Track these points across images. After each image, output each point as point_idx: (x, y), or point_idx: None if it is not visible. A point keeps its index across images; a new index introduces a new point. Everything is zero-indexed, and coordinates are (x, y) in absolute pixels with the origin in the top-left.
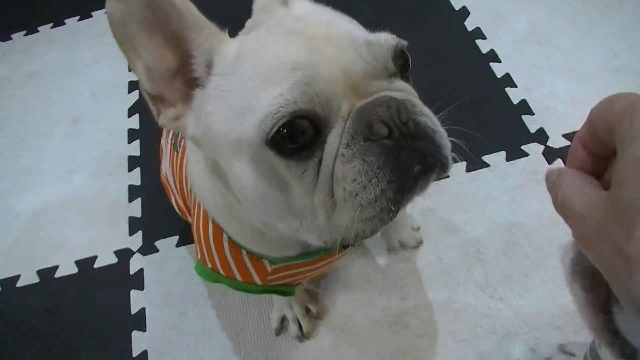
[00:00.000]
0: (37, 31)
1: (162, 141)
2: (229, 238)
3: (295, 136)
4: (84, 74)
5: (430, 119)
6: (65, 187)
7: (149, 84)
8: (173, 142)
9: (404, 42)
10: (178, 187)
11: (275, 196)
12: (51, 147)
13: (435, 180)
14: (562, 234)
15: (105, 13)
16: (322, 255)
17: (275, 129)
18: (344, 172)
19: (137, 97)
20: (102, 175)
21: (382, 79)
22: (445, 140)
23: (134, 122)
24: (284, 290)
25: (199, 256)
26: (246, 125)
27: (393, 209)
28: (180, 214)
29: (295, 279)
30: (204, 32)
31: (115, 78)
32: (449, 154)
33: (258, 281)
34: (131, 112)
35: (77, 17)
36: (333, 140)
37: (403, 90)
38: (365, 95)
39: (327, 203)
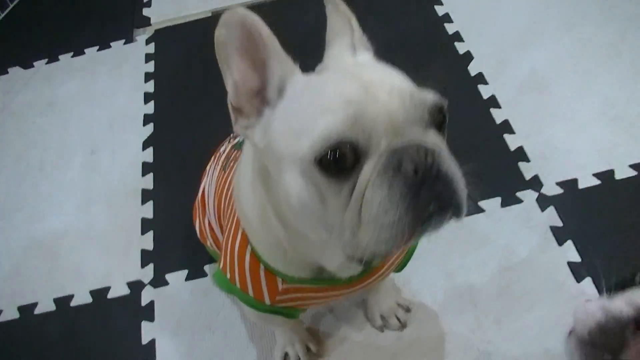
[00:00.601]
0: (58, 59)
1: (209, 165)
2: (252, 250)
3: (339, 160)
4: (103, 104)
5: (452, 168)
6: (83, 217)
7: (234, 98)
8: (224, 164)
9: (444, 102)
10: (216, 203)
11: (314, 207)
12: (70, 176)
13: (448, 222)
14: (552, 281)
15: (215, 38)
16: (332, 284)
17: (323, 151)
18: (372, 196)
19: (152, 130)
20: (117, 207)
21: (419, 127)
22: (462, 188)
23: (148, 156)
24: (288, 312)
25: (221, 265)
26: (302, 144)
27: (407, 234)
28: (200, 236)
29: (302, 303)
30: (281, 62)
31: (132, 110)
32: (464, 200)
33: (267, 300)
34: (145, 145)
35: (97, 47)
36: (368, 169)
37: (434, 140)
38: (403, 138)
39: (355, 221)
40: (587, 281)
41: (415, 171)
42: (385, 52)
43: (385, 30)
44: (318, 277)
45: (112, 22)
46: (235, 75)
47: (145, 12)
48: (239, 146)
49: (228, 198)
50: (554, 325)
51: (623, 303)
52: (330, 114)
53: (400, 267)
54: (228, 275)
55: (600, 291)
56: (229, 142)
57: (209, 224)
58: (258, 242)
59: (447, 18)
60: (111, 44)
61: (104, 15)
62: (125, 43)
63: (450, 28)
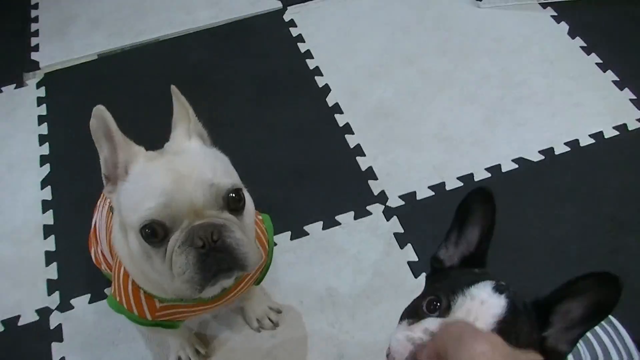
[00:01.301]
0: None
1: (99, 202)
2: (133, 281)
3: (151, 234)
4: (1, 147)
5: (236, 239)
6: None
7: (104, 168)
8: (110, 205)
9: (240, 186)
10: (108, 237)
11: (145, 260)
12: None
13: (237, 274)
14: (395, 278)
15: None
16: (198, 302)
17: (142, 225)
18: (175, 260)
19: (49, 169)
20: (21, 243)
21: (215, 209)
22: (245, 252)
23: (47, 194)
24: (168, 324)
25: (112, 291)
26: (134, 217)
27: (199, 287)
28: (95, 262)
29: (179, 316)
30: (124, 149)
31: (28, 152)
32: (246, 262)
33: (149, 316)
34: (43, 184)
35: None
36: (173, 242)
37: (227, 219)
38: (202, 218)
39: (169, 273)
40: (423, 276)
41: (202, 245)
42: (261, 87)
43: (257, 68)
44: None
45: (1, 67)
46: (104, 151)
47: (34, 56)
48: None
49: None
50: (397, 314)
51: (421, 333)
52: (150, 200)
53: (258, 282)
54: (117, 299)
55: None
56: None
57: (102, 252)
58: (134, 275)
59: (308, 54)
60: (2, 88)
61: None
62: (16, 87)
63: (311, 63)
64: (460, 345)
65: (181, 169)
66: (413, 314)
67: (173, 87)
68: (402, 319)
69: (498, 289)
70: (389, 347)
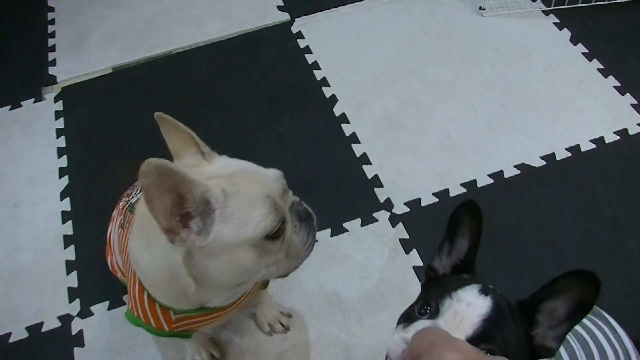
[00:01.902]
0: None
1: (114, 212)
2: (148, 294)
3: (278, 230)
4: (19, 160)
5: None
6: (11, 263)
7: (164, 223)
8: (122, 222)
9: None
10: (120, 253)
11: (260, 262)
12: None
13: None
14: (401, 283)
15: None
16: (212, 311)
17: (273, 228)
18: (294, 239)
19: (67, 181)
20: (42, 252)
21: (286, 192)
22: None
23: (66, 205)
24: (184, 334)
25: (130, 306)
26: (249, 231)
27: (310, 250)
28: (111, 269)
29: (194, 326)
30: (197, 185)
31: (47, 164)
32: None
33: (166, 327)
34: (62, 195)
35: (9, 107)
36: (289, 227)
37: (292, 195)
38: (287, 202)
39: (284, 257)
40: None
41: (305, 216)
42: (269, 98)
43: (265, 80)
44: (201, 308)
45: (20, 81)
46: (161, 205)
47: (51, 71)
48: (131, 209)
49: (127, 254)
50: None
51: (412, 334)
52: (260, 207)
53: (264, 286)
54: (135, 314)
55: None
56: (126, 200)
57: (116, 261)
58: (156, 291)
59: (316, 65)
60: (22, 102)
61: (12, 75)
62: (35, 102)
63: (318, 75)
64: (432, 353)
65: (250, 176)
66: (407, 317)
67: (161, 115)
68: (398, 322)
69: (484, 292)
70: (387, 348)
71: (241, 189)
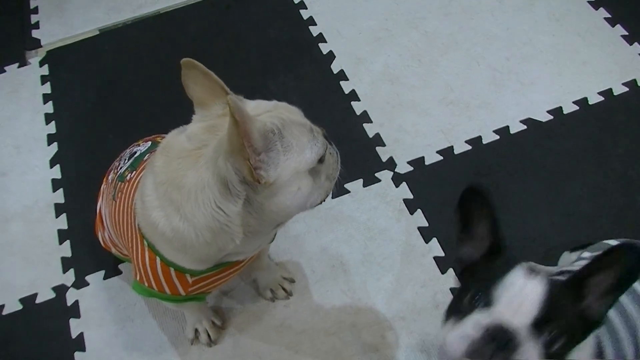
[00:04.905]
0: None
1: (103, 186)
2: (161, 260)
3: (325, 153)
4: (5, 127)
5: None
6: (3, 235)
7: (255, 161)
8: (113, 194)
9: None
10: (115, 226)
11: (313, 188)
12: None
13: None
14: (406, 244)
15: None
16: (227, 266)
17: (324, 152)
18: (331, 160)
19: (57, 148)
20: (33, 222)
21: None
22: None
23: (56, 173)
24: (199, 297)
25: (137, 278)
26: (307, 157)
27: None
28: (104, 246)
29: (209, 287)
30: (253, 121)
31: (35, 131)
32: None
33: (182, 292)
34: (52, 163)
35: None
36: (328, 151)
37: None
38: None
39: (325, 178)
40: (434, 241)
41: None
42: (263, 57)
43: (260, 38)
44: (218, 264)
45: (2, 46)
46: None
47: (35, 34)
48: (121, 178)
49: (124, 225)
50: (408, 280)
51: (471, 329)
52: (306, 134)
53: (271, 240)
54: (146, 284)
55: (443, 248)
56: (115, 172)
57: (109, 236)
58: (177, 255)
59: (311, 21)
60: (5, 68)
61: None
62: (19, 66)
63: (314, 30)
64: None
65: (287, 109)
66: (457, 310)
67: (189, 60)
68: (447, 317)
69: (531, 273)
70: (444, 345)
71: (285, 122)
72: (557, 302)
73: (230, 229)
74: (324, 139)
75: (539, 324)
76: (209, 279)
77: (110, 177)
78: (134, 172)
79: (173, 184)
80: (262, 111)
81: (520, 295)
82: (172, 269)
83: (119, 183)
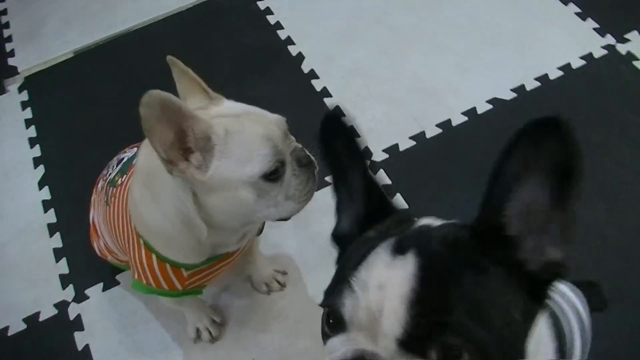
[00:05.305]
0: None
1: (93, 196)
2: (157, 257)
3: (275, 171)
4: None
5: (309, 152)
6: (0, 259)
7: (164, 153)
8: (105, 199)
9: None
10: (110, 230)
11: (258, 203)
12: None
13: None
14: None
15: (140, 114)
16: (219, 259)
17: (269, 169)
18: (294, 182)
19: (44, 170)
20: (28, 244)
21: (288, 137)
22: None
23: (46, 194)
24: (195, 291)
25: (136, 276)
26: (247, 169)
27: (314, 191)
28: (100, 254)
29: (204, 280)
30: (198, 121)
31: (20, 156)
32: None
33: (179, 287)
34: (41, 185)
35: None
36: (288, 170)
37: (295, 141)
38: (289, 146)
39: (284, 200)
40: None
41: (305, 162)
42: (237, 64)
43: (231, 47)
44: (210, 258)
45: None
46: (160, 137)
47: (11, 61)
48: (112, 184)
49: (120, 227)
50: None
51: None
52: (260, 146)
53: (259, 232)
54: (144, 282)
55: None
56: (104, 180)
57: (104, 244)
58: (167, 248)
59: (278, 25)
60: None
61: None
62: None
63: (282, 34)
64: None
65: (255, 118)
66: (323, 334)
67: (172, 59)
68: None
69: (400, 248)
70: None
71: (244, 129)
72: (451, 284)
73: (193, 220)
74: (295, 162)
75: (418, 343)
76: (203, 272)
77: (100, 186)
78: (125, 175)
79: (152, 175)
80: (228, 114)
81: (377, 300)
82: (167, 265)
83: (111, 188)
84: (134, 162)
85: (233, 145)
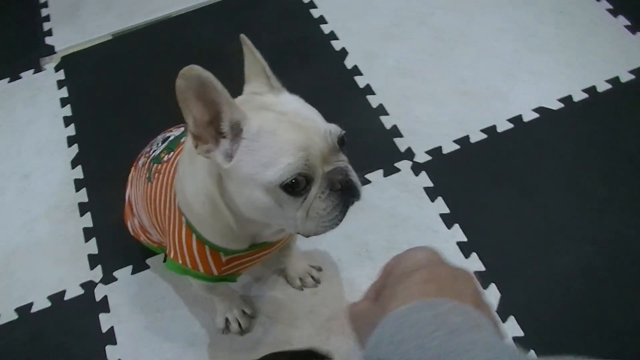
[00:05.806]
0: None
1: (131, 173)
2: (197, 237)
3: (296, 185)
4: (27, 132)
5: (355, 176)
6: (29, 235)
7: (194, 128)
8: (147, 176)
9: (344, 132)
10: (148, 208)
11: (276, 210)
12: (8, 200)
13: None
14: (429, 230)
15: (176, 86)
16: (260, 247)
17: (287, 180)
18: (318, 205)
19: (77, 149)
20: (58, 222)
21: (335, 154)
22: (361, 189)
23: (78, 173)
24: (230, 277)
25: (172, 254)
26: (268, 173)
27: (340, 221)
28: (133, 234)
29: (240, 267)
30: (233, 108)
31: (54, 134)
32: (361, 194)
33: (215, 271)
34: (74, 164)
35: (7, 79)
36: (314, 189)
37: (344, 160)
38: (330, 164)
39: (303, 217)
40: (456, 227)
41: (340, 187)
42: (277, 56)
43: (272, 38)
44: (251, 245)
45: (17, 54)
46: (193, 112)
47: (48, 40)
48: (157, 160)
49: (162, 203)
50: None
51: None
52: (288, 155)
53: None
54: (180, 261)
55: (466, 234)
56: (146, 156)
57: (139, 223)
58: (205, 230)
59: (322, 20)
60: (21, 74)
61: (8, 48)
62: (34, 72)
63: (325, 28)
64: (403, 259)
65: (299, 121)
66: None
67: (244, 38)
68: None
69: None
70: None
71: (279, 131)
72: None
73: (217, 203)
74: (326, 183)
75: None
76: (241, 259)
77: (140, 162)
78: (172, 152)
79: (194, 152)
80: (278, 109)
81: None
82: (207, 247)
83: (155, 164)
84: (182, 139)
85: (261, 145)
